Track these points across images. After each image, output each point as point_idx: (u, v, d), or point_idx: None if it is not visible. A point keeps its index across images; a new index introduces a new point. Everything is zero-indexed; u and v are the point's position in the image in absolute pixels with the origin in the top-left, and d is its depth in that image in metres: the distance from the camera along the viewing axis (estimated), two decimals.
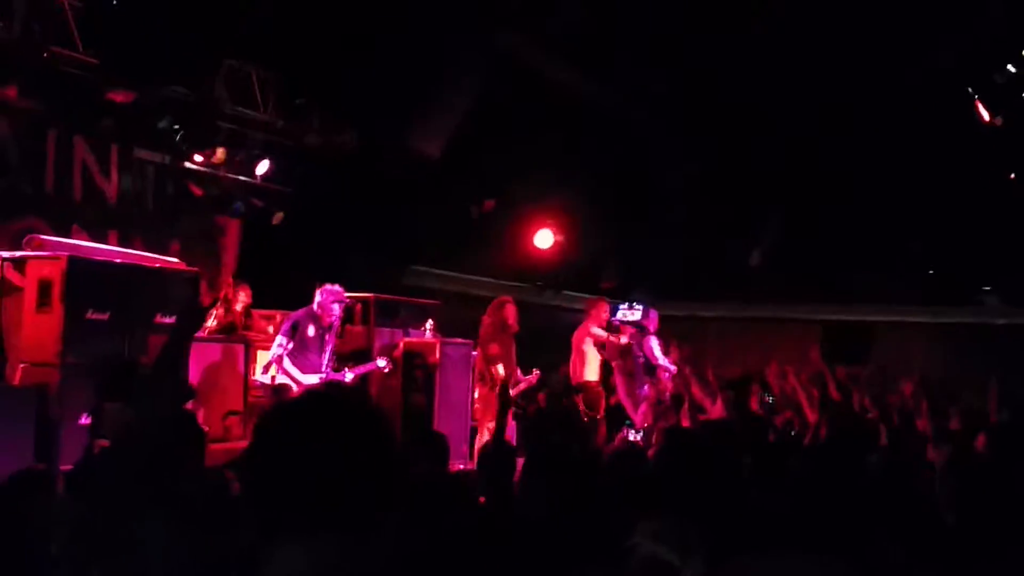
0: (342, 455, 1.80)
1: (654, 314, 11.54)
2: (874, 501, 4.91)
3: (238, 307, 10.51)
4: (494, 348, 10.08)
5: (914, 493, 5.08)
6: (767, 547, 1.82)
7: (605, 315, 11.41)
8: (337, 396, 1.94)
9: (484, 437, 9.66)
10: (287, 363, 9.06)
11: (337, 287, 9.45)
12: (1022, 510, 4.38)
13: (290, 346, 9.10)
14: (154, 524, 3.62)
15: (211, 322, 10.21)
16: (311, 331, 9.28)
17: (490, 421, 9.73)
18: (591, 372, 11.31)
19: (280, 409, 1.96)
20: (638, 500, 4.39)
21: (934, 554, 4.11)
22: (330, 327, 9.35)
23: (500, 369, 10.00)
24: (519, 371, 10.57)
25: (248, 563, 1.90)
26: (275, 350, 9.18)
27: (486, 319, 10.45)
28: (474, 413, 10.36)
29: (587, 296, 17.21)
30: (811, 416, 8.74)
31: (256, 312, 10.96)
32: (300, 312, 9.45)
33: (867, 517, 4.44)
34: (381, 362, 9.94)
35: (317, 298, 9.35)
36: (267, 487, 1.83)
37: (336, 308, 9.37)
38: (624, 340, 11.26)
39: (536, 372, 10.61)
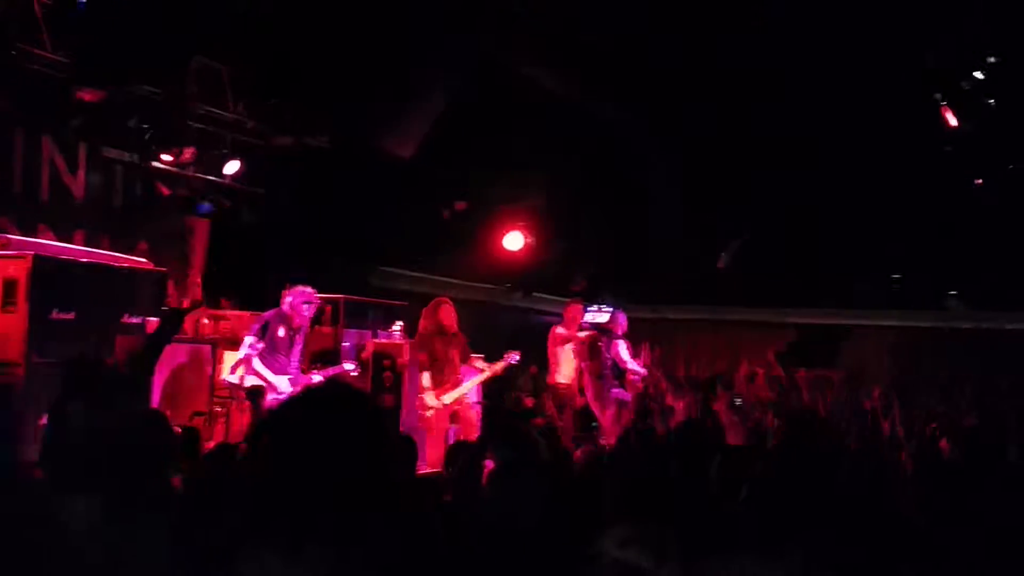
0: (334, 460, 1.79)
1: (622, 317, 11.57)
2: (842, 504, 4.95)
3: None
4: (423, 356, 9.83)
5: (883, 496, 5.12)
6: (732, 550, 1.84)
7: (578, 317, 11.44)
8: (342, 400, 1.91)
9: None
10: (257, 363, 8.98)
11: (308, 288, 9.39)
12: (989, 513, 4.43)
13: (260, 347, 9.04)
14: (122, 525, 3.60)
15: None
16: (281, 332, 9.22)
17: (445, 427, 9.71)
18: (560, 374, 11.29)
19: (283, 414, 1.93)
20: (606, 504, 4.41)
21: (903, 557, 4.15)
22: (299, 328, 9.30)
23: (425, 379, 9.76)
24: (474, 367, 10.25)
25: (226, 566, 1.87)
26: (245, 351, 9.09)
27: (422, 322, 10.01)
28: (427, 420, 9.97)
29: (557, 298, 17.32)
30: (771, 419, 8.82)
31: (219, 312, 10.90)
32: (270, 313, 9.40)
33: (834, 520, 4.47)
34: (349, 365, 9.87)
35: (287, 299, 9.29)
36: (268, 492, 1.80)
37: (306, 309, 9.30)
38: (583, 335, 11.24)
39: (512, 354, 10.20)
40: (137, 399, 7.78)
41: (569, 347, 11.21)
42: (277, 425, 1.91)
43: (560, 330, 11.34)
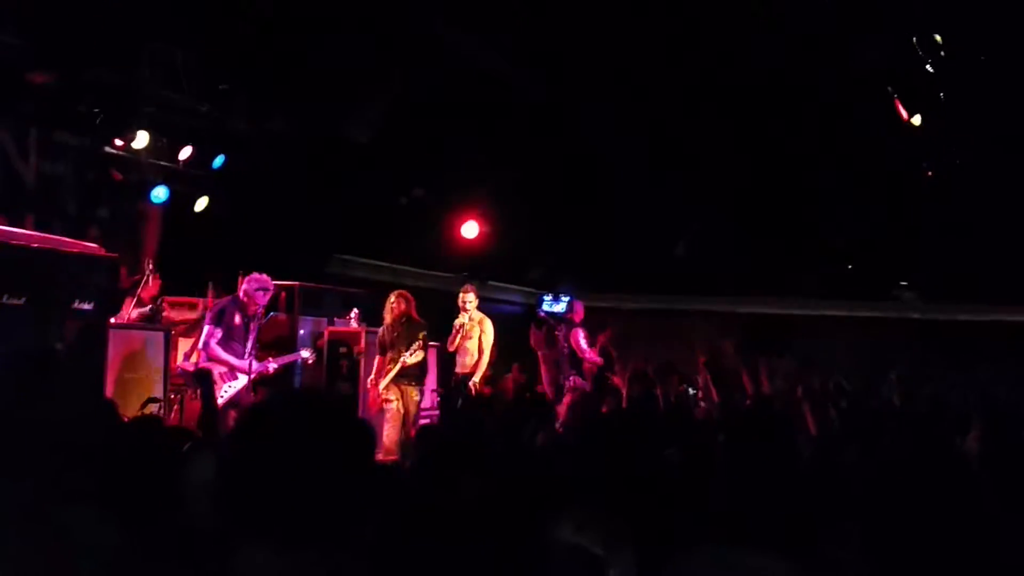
0: (323, 461, 1.81)
1: (579, 305, 11.59)
2: (802, 494, 4.99)
3: (144, 295, 10.35)
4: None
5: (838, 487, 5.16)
6: (701, 542, 1.84)
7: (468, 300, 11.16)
8: (319, 401, 1.95)
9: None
10: (218, 350, 9.02)
11: (263, 276, 9.39)
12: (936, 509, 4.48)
13: (218, 333, 9.05)
14: (71, 517, 3.54)
15: (131, 310, 10.05)
16: (237, 319, 9.21)
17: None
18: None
19: (260, 412, 1.95)
20: (561, 492, 4.41)
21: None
22: (254, 315, 9.28)
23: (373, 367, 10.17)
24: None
25: (212, 564, 1.90)
26: (206, 341, 9.11)
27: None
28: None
29: (512, 287, 17.34)
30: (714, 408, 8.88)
31: (174, 299, 10.81)
32: (225, 300, 9.37)
33: (795, 510, 4.51)
34: (305, 353, 9.92)
35: (243, 286, 9.27)
36: (245, 491, 1.81)
37: (261, 296, 9.30)
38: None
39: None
40: (88, 387, 7.68)
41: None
42: (245, 428, 1.93)
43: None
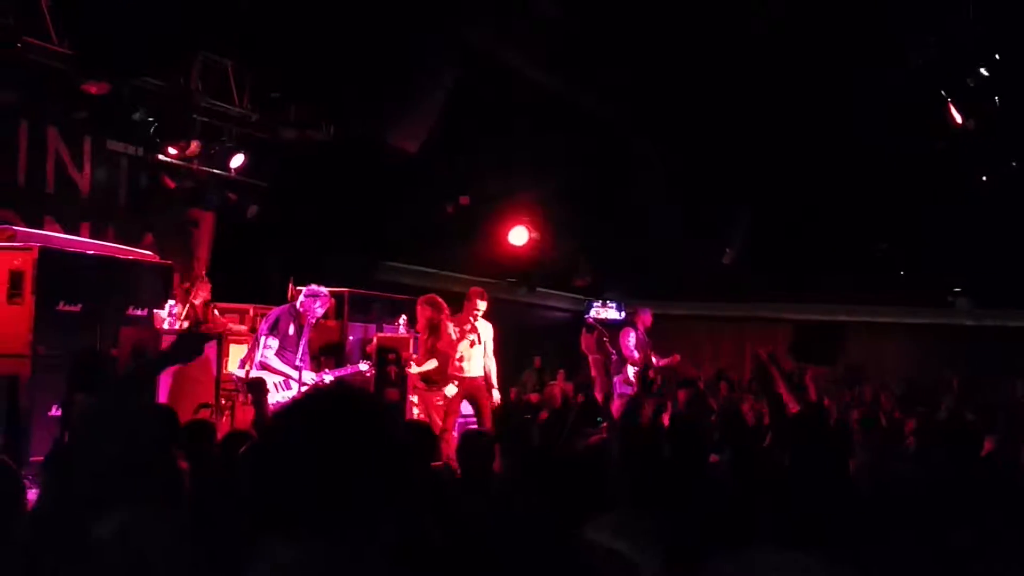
0: (351, 456, 1.79)
1: (646, 313, 11.60)
2: (857, 498, 4.96)
3: (196, 301, 10.45)
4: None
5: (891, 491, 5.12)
6: (747, 543, 1.83)
7: (474, 305, 10.62)
8: (349, 396, 1.93)
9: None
10: (275, 360, 9.06)
11: (323, 289, 9.47)
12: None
13: (274, 344, 9.10)
14: (128, 518, 3.60)
15: (170, 317, 10.06)
16: (291, 329, 9.27)
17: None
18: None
19: (294, 408, 1.93)
20: (604, 495, 4.41)
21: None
22: (307, 324, 9.38)
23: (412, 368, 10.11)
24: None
25: (235, 559, 1.88)
26: (263, 351, 9.12)
27: None
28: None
29: (561, 293, 17.33)
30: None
31: (224, 305, 10.91)
32: (281, 309, 9.42)
33: (848, 514, 4.48)
34: (363, 365, 9.93)
35: (300, 298, 9.33)
36: (271, 484, 1.81)
37: (319, 309, 9.39)
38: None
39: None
40: (143, 392, 7.79)
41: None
42: (289, 422, 1.92)
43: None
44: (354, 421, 1.85)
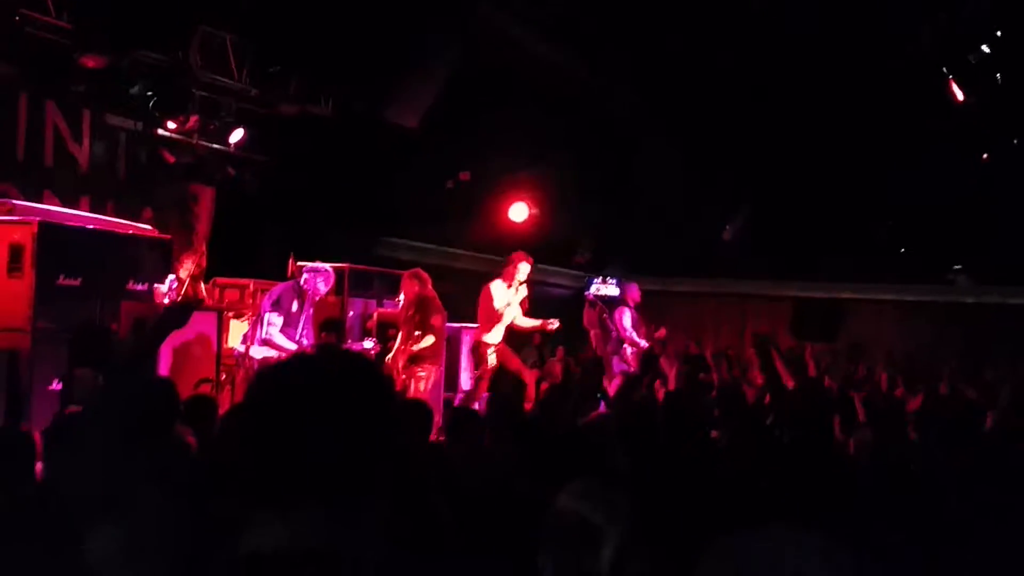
0: (341, 420, 1.68)
1: (633, 288, 11.49)
2: (856, 477, 4.97)
3: (183, 275, 10.41)
4: None
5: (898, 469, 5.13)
6: (751, 523, 1.81)
7: (516, 271, 10.69)
8: (337, 356, 1.81)
9: None
10: (280, 337, 9.03)
11: (326, 266, 9.46)
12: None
13: (279, 321, 9.08)
14: (142, 489, 3.60)
15: (170, 292, 10.03)
16: (294, 306, 9.26)
17: None
18: (487, 334, 10.73)
19: (273, 371, 1.80)
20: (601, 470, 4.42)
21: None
22: (310, 303, 9.38)
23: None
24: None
25: (227, 533, 1.75)
26: (267, 328, 9.09)
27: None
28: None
29: (561, 270, 17.32)
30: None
31: (224, 280, 10.90)
32: (285, 286, 9.40)
33: (850, 492, 4.49)
34: (368, 343, 9.91)
35: (304, 275, 9.31)
36: (255, 453, 1.69)
37: (322, 286, 9.37)
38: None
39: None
40: (144, 366, 7.80)
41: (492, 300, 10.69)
42: (256, 387, 1.80)
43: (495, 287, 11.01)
44: (347, 380, 1.73)
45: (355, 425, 1.68)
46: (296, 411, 1.68)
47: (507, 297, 10.53)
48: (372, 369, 1.81)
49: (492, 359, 10.57)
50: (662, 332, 11.73)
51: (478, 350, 10.66)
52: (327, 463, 1.64)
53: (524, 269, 10.64)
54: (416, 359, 9.84)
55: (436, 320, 9.97)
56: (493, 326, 10.55)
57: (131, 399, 4.49)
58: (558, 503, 2.98)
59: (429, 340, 9.87)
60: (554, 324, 10.89)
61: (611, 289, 11.52)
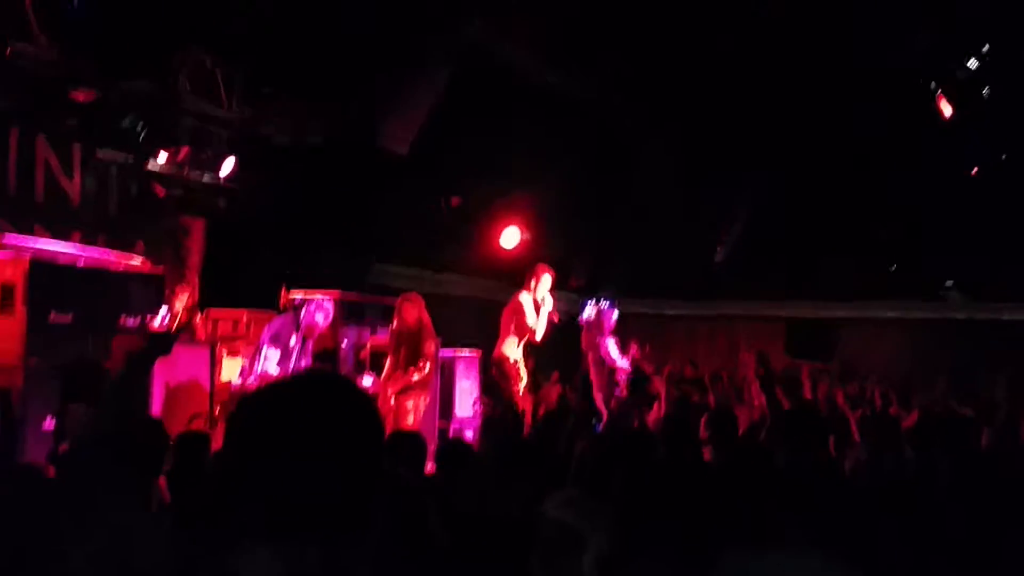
0: (329, 450, 1.65)
1: (608, 313, 11.43)
2: (853, 496, 4.95)
3: (178, 306, 10.39)
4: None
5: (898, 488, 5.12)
6: (746, 543, 1.81)
7: (541, 282, 10.84)
8: (324, 383, 1.76)
9: None
10: (276, 371, 8.98)
11: (326, 300, 9.44)
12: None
13: (275, 354, 9.05)
14: (128, 520, 3.59)
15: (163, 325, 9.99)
16: (292, 340, 9.24)
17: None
18: (509, 348, 10.70)
19: (258, 398, 1.76)
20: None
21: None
22: (309, 336, 9.34)
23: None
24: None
25: (221, 567, 1.74)
26: (263, 363, 9.06)
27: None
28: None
29: (557, 293, 17.28)
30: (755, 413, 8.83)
31: (217, 312, 10.89)
32: (284, 319, 9.39)
33: (843, 511, 4.47)
34: (367, 380, 9.83)
35: (304, 308, 9.30)
36: (242, 483, 1.66)
37: (321, 321, 9.34)
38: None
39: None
40: (135, 402, 7.78)
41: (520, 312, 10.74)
42: (240, 414, 1.76)
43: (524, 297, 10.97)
44: (334, 406, 1.70)
45: (340, 454, 1.65)
46: (274, 441, 1.65)
47: (535, 310, 10.57)
48: (356, 395, 1.78)
49: (524, 373, 10.57)
50: (634, 351, 11.65)
51: (503, 366, 10.57)
52: (315, 494, 1.62)
53: (546, 281, 10.70)
54: (406, 388, 9.76)
55: (431, 347, 9.90)
56: (522, 339, 10.62)
57: (118, 440, 4.49)
58: (545, 511, 3.03)
59: (428, 368, 9.80)
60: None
61: (589, 312, 11.42)
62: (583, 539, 2.96)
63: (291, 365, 9.12)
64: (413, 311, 9.82)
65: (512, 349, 10.60)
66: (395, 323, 10.00)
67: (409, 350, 9.76)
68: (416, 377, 9.69)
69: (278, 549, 1.62)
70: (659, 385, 10.11)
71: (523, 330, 10.57)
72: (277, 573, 1.61)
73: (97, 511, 3.68)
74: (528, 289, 10.71)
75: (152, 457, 4.52)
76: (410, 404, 9.68)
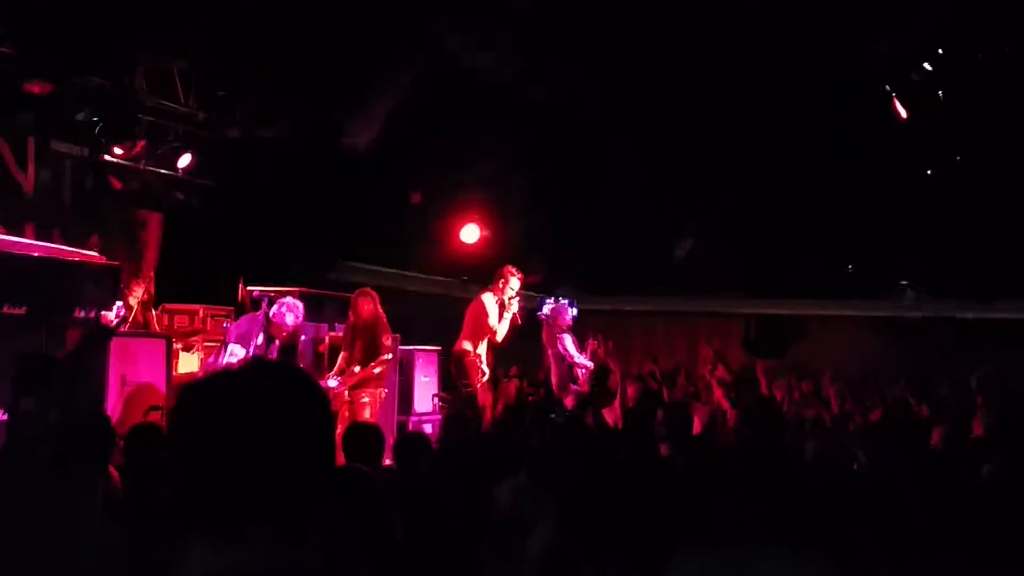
0: (274, 438, 1.60)
1: (563, 309, 11.43)
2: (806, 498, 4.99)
3: (132, 302, 10.30)
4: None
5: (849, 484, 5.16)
6: (702, 540, 1.82)
7: (508, 284, 10.80)
8: (269, 370, 1.73)
9: None
10: None
11: (297, 302, 9.35)
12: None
13: (240, 352, 8.97)
14: (70, 518, 3.55)
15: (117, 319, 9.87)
16: (260, 339, 9.17)
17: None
18: (470, 342, 10.67)
19: (201, 387, 1.71)
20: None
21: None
22: (277, 336, 9.26)
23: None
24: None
25: (170, 560, 1.70)
26: (227, 358, 8.99)
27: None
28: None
29: None
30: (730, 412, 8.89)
31: (173, 307, 10.82)
32: (252, 318, 9.31)
33: (798, 507, 4.50)
34: (332, 382, 9.76)
35: (274, 308, 9.21)
36: (185, 476, 1.61)
37: (290, 321, 9.26)
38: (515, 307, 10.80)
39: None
40: (78, 395, 7.69)
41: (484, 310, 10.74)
42: (183, 405, 1.72)
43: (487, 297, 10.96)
44: (282, 396, 1.64)
45: (286, 443, 1.60)
46: (216, 428, 1.60)
47: (499, 312, 10.61)
48: (304, 383, 1.72)
49: (486, 368, 10.60)
50: (592, 344, 11.65)
51: (462, 361, 10.54)
52: (262, 483, 1.57)
53: (514, 284, 10.72)
54: (362, 382, 9.73)
55: (388, 341, 9.90)
56: (481, 340, 10.59)
57: (64, 432, 4.44)
58: (496, 498, 3.06)
59: (387, 360, 9.81)
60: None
61: (545, 309, 11.42)
62: (529, 526, 2.98)
63: None
64: (368, 305, 9.85)
65: (473, 344, 10.62)
66: (351, 317, 9.99)
67: (365, 344, 9.78)
68: (378, 370, 9.69)
69: (217, 541, 1.56)
70: (617, 382, 10.15)
71: (484, 331, 10.58)
72: (217, 566, 1.55)
73: (39, 509, 3.64)
74: (495, 291, 10.72)
75: (97, 450, 4.47)
76: (366, 399, 9.69)
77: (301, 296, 10.92)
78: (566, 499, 3.06)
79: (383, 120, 12.61)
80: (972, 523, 4.32)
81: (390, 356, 9.83)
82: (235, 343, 9.03)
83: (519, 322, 10.80)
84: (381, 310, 9.93)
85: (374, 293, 10.04)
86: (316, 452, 1.66)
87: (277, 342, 9.25)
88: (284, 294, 10.11)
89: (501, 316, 10.65)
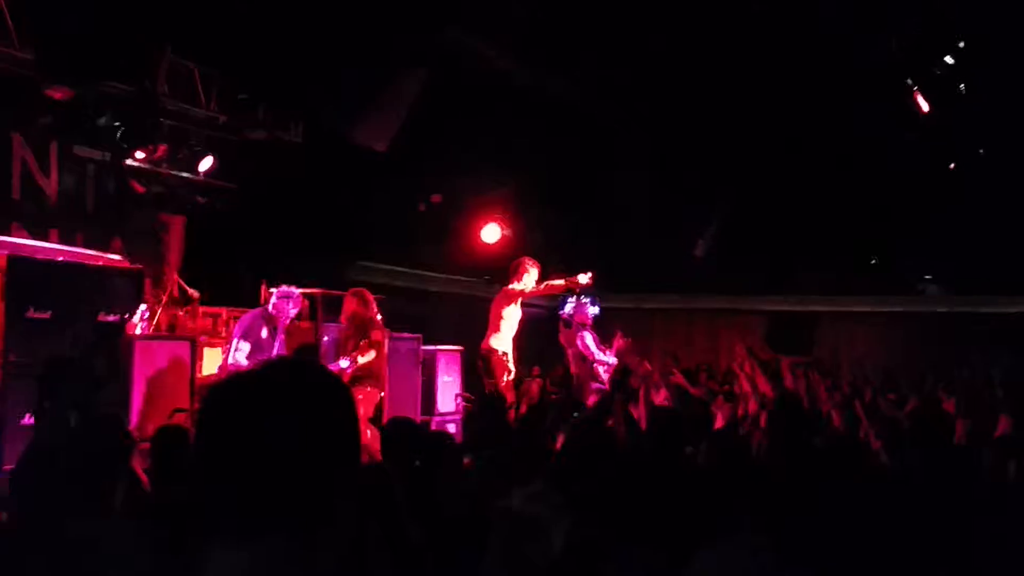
0: (300, 437, 1.58)
1: (582, 307, 11.43)
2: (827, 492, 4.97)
3: (156, 303, 10.34)
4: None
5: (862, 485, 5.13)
6: (727, 536, 1.82)
7: (528, 275, 10.89)
8: (292, 369, 1.70)
9: None
10: (245, 364, 8.97)
11: (293, 289, 9.41)
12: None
13: (245, 347, 9.03)
14: (91, 526, 3.57)
15: (142, 323, 9.93)
16: (264, 332, 9.21)
17: None
18: (498, 340, 10.71)
19: (226, 385, 1.69)
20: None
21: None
22: (282, 327, 9.33)
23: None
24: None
25: (190, 566, 1.70)
26: (234, 355, 9.07)
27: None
28: None
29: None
30: (752, 406, 8.85)
31: (201, 309, 10.86)
32: (253, 313, 9.38)
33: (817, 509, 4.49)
34: (344, 363, 9.80)
35: (272, 300, 9.29)
36: (211, 477, 1.60)
37: (291, 310, 9.31)
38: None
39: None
40: (111, 399, 7.75)
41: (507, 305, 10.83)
42: (209, 406, 1.68)
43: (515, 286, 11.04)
44: (307, 395, 1.63)
45: (310, 441, 1.59)
46: (241, 428, 1.59)
47: (517, 303, 10.73)
48: (329, 381, 1.71)
49: (512, 366, 10.65)
50: (619, 342, 11.62)
51: (490, 359, 10.59)
52: (287, 484, 1.56)
53: (532, 274, 10.78)
54: (354, 380, 9.74)
55: (377, 336, 9.86)
56: (507, 337, 10.69)
57: (79, 438, 4.46)
58: (512, 505, 3.07)
59: (371, 355, 9.76)
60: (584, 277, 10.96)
61: (568, 307, 11.44)
62: (548, 533, 2.99)
63: (264, 357, 9.09)
64: (350, 305, 9.89)
65: (500, 342, 10.65)
66: (341, 317, 10.08)
67: (353, 342, 9.79)
68: (361, 359, 9.66)
69: (241, 542, 1.56)
70: (639, 379, 10.12)
71: (511, 322, 10.69)
72: (241, 567, 1.55)
73: (55, 522, 3.66)
74: (514, 282, 10.79)
75: (112, 457, 4.47)
76: (359, 397, 9.65)
77: (323, 297, 10.98)
78: (585, 499, 3.06)
79: (401, 121, 12.63)
80: (1000, 519, 4.30)
81: (372, 353, 9.75)
82: (238, 339, 9.10)
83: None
84: (370, 309, 9.91)
85: (365, 293, 10.03)
86: (341, 451, 1.65)
87: (282, 334, 9.30)
88: (306, 295, 10.18)
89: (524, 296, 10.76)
